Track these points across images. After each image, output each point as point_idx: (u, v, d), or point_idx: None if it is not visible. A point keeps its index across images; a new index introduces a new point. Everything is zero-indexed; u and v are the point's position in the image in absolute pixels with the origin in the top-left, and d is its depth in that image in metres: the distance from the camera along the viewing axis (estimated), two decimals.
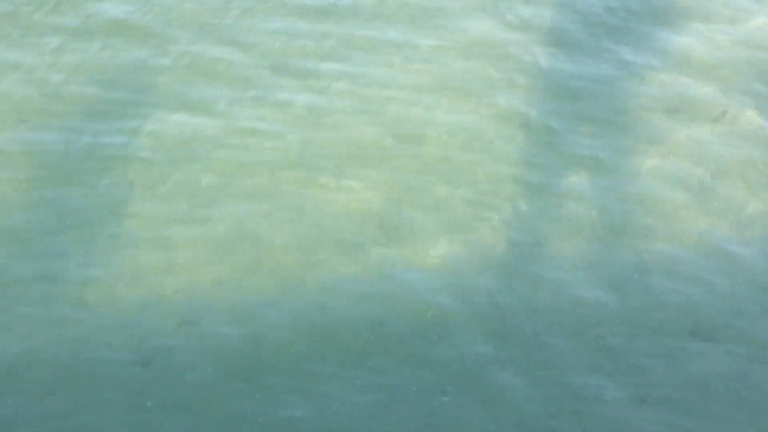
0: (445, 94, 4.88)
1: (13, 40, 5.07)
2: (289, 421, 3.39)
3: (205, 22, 5.30)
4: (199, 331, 3.69)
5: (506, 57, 5.14)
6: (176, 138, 4.52)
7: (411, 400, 3.50)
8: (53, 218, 4.09)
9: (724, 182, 4.48)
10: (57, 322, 3.68)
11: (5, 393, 3.42)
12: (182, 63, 5.00)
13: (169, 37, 5.18)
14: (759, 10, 5.62)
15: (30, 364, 3.52)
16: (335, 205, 4.23)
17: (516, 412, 3.46)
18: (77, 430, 3.32)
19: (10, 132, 4.50)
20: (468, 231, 4.14)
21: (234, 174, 4.36)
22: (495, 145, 4.59)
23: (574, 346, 3.71)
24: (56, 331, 3.64)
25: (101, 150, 4.44)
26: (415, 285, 3.90)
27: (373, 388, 3.53)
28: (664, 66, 5.15)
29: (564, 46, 5.28)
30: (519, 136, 4.64)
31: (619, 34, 5.37)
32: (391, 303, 3.82)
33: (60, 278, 3.84)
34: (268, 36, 5.22)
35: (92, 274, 3.87)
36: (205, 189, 4.27)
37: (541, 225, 4.20)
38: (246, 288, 3.86)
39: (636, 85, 5.01)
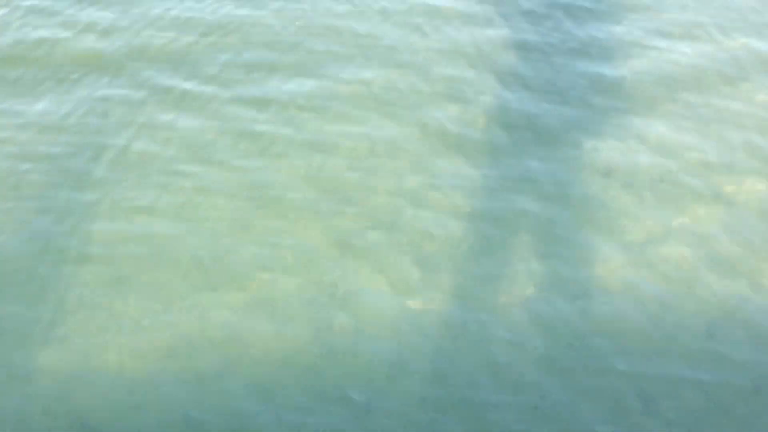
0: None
1: None
2: None
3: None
4: (141, 403, 3.61)
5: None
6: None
7: None
8: None
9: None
10: None
11: None
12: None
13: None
14: None
15: None
16: (276, 263, 4.18)
17: None
18: None
19: None
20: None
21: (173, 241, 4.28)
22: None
23: None
24: None
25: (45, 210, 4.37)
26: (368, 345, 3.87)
27: None
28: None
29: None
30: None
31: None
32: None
33: None
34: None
35: (30, 342, 3.79)
36: (147, 255, 4.21)
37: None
38: (189, 361, 3.79)
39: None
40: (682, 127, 5.14)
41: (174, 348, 3.83)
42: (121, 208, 4.42)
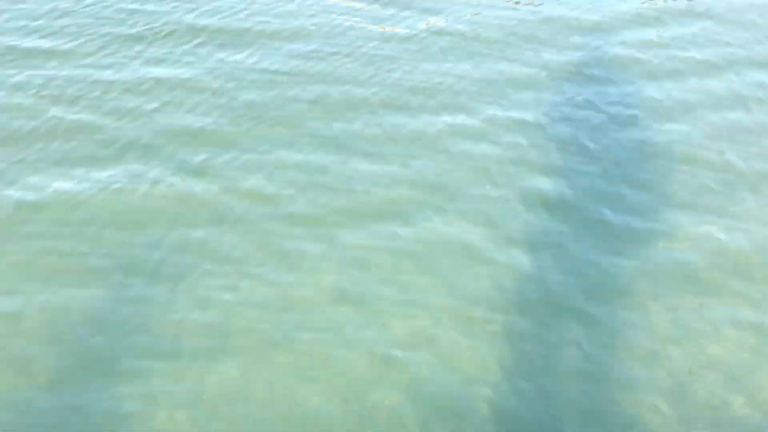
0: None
1: None
2: None
3: None
4: None
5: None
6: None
7: None
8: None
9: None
10: None
11: None
12: None
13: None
14: None
15: None
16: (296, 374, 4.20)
17: None
18: None
19: None
20: None
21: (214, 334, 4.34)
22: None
23: None
24: None
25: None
26: None
27: None
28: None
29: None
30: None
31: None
32: None
33: None
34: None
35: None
36: (178, 350, 4.25)
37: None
38: None
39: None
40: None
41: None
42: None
